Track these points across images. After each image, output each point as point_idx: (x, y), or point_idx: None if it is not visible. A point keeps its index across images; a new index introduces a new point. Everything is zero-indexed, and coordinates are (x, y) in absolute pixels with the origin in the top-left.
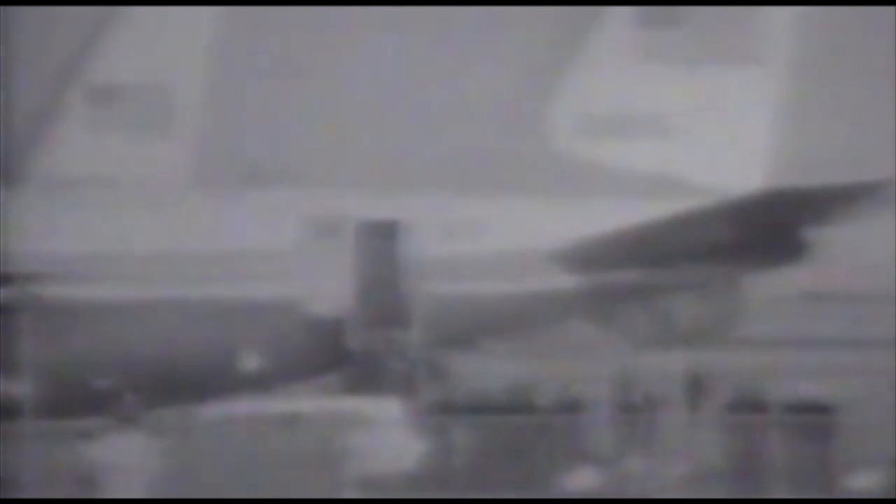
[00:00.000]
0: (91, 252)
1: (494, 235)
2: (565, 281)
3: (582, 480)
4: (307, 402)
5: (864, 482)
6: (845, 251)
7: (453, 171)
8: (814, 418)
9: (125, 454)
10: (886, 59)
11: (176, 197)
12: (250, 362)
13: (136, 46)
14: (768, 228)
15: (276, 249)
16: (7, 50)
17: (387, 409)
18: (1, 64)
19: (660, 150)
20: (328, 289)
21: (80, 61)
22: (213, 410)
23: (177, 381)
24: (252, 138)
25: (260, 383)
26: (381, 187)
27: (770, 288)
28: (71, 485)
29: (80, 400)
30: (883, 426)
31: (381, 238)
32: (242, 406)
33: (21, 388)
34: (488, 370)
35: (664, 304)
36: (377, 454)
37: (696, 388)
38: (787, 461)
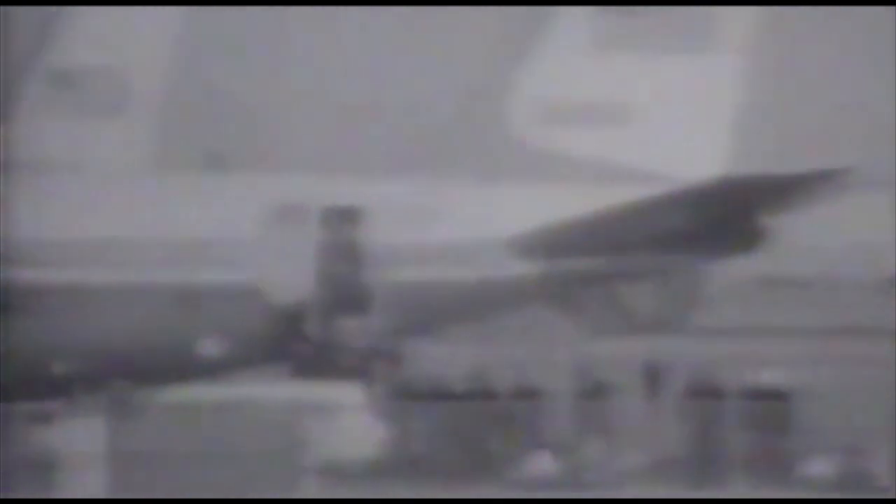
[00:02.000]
0: (49, 237)
1: (453, 222)
2: (524, 268)
3: (539, 466)
4: (267, 388)
5: (820, 469)
6: (802, 238)
7: (413, 158)
8: (771, 406)
9: (82, 438)
10: (846, 47)
11: (136, 182)
12: (210, 348)
13: (96, 30)
14: (725, 216)
15: (236, 235)
16: None
17: (346, 396)
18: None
19: (618, 138)
20: (288, 275)
21: (39, 45)
22: (173, 395)
23: (136, 366)
24: (213, 124)
25: (220, 369)
26: (341, 174)
27: (727, 275)
28: (28, 467)
29: (38, 384)
30: (840, 414)
31: (343, 224)
32: (202, 391)
33: None
34: (447, 356)
35: (622, 292)
36: (337, 440)
37: (653, 375)
38: (743, 448)
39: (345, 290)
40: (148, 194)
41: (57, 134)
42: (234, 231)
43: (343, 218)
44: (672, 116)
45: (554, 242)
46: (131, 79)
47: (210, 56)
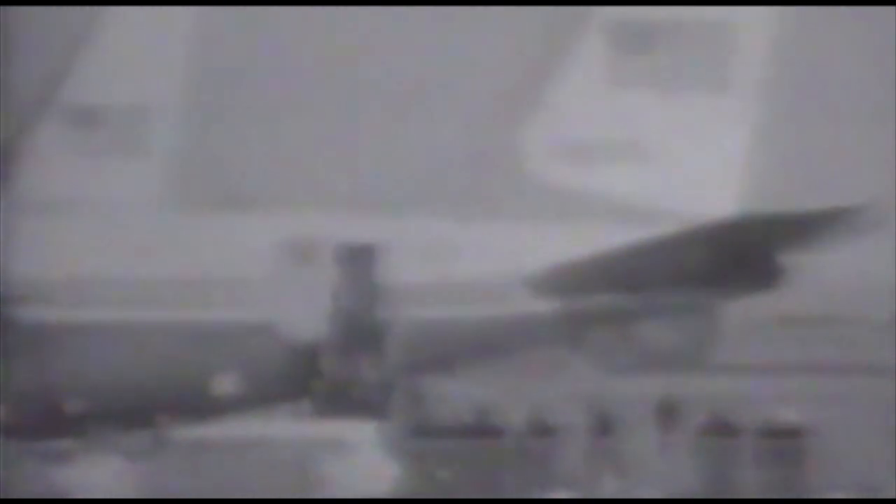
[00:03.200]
0: (66, 275)
1: (470, 260)
2: (540, 306)
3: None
4: (282, 426)
5: None
6: (819, 276)
7: (429, 196)
8: (786, 443)
9: (97, 477)
10: (860, 85)
11: (152, 220)
12: (225, 386)
13: (113, 68)
14: (742, 254)
15: (251, 273)
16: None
17: (361, 434)
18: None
19: (634, 176)
20: (304, 313)
21: (56, 82)
22: (187, 434)
23: (151, 404)
24: (229, 162)
25: (235, 407)
26: (358, 212)
27: (745, 313)
28: None
29: (53, 422)
30: (855, 451)
31: (359, 262)
32: (217, 430)
33: None
34: (463, 394)
35: (638, 329)
36: (351, 478)
37: (669, 412)
38: (759, 486)
39: (360, 327)
40: (163, 232)
41: (73, 171)
42: (249, 269)
43: (358, 255)
44: (688, 154)
45: (571, 280)
46: (149, 117)
47: (227, 93)
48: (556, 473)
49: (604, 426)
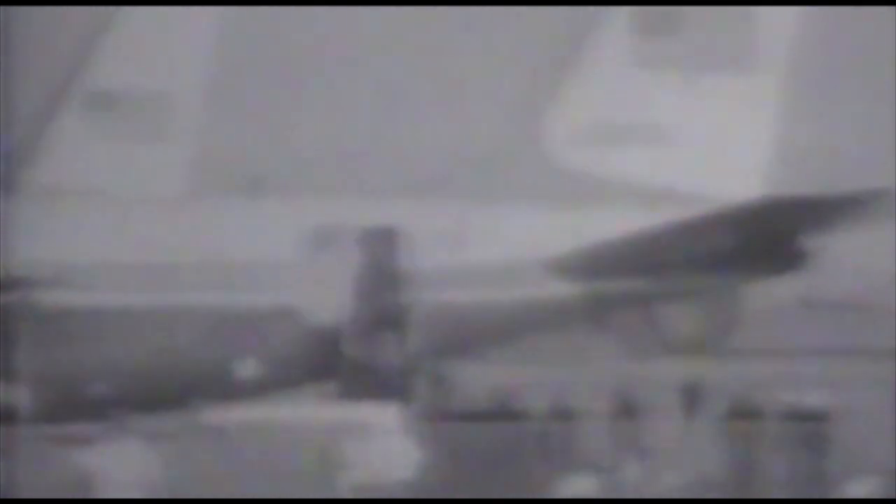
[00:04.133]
0: (89, 260)
1: (492, 243)
2: (562, 289)
3: (578, 488)
4: (304, 410)
5: (860, 492)
6: (843, 259)
7: (451, 180)
8: (810, 427)
9: (121, 461)
10: (886, 65)
11: (175, 205)
12: (248, 370)
13: (136, 53)
14: (766, 237)
15: (274, 258)
16: (6, 55)
17: (383, 417)
18: (1, 68)
19: (657, 159)
20: (326, 297)
21: (78, 68)
22: (211, 418)
23: (174, 388)
24: (251, 147)
25: (257, 391)
26: (379, 197)
27: (768, 296)
28: (67, 491)
29: (76, 406)
30: (880, 436)
31: (379, 245)
32: (239, 414)
33: (18, 395)
34: (485, 378)
35: (661, 313)
36: (374, 462)
37: (692, 396)
38: (783, 470)
39: (382, 311)
40: (185, 217)
41: (96, 157)
42: (272, 253)
43: (380, 239)
44: (713, 137)
45: (593, 263)
46: (172, 102)
47: (249, 79)
48: (579, 458)
49: (626, 410)
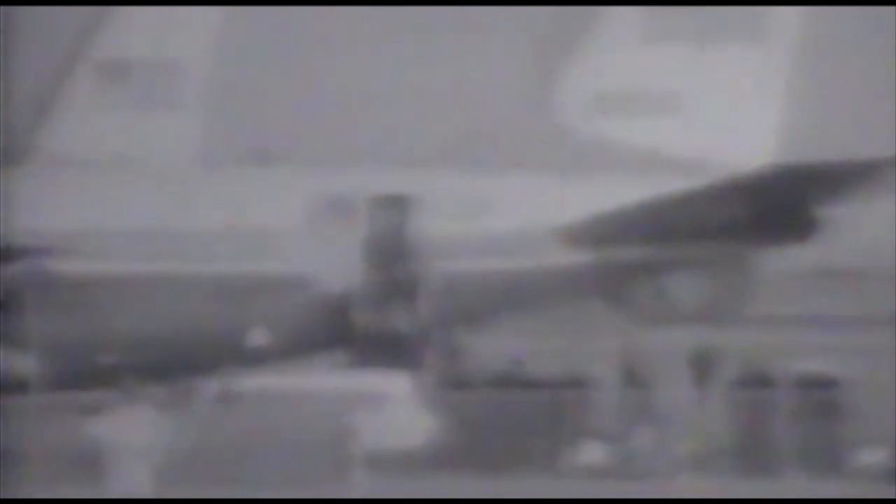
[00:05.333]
0: (98, 228)
1: (504, 212)
2: (574, 258)
3: (589, 456)
4: (316, 379)
5: (870, 459)
6: (855, 228)
7: (463, 148)
8: (821, 395)
9: (130, 429)
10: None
11: (184, 173)
12: (258, 338)
13: (145, 21)
14: (778, 205)
15: (284, 226)
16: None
17: (395, 386)
18: (1, 50)
19: (669, 127)
20: (337, 265)
21: (87, 36)
22: (222, 387)
23: (183, 357)
24: (261, 115)
25: (268, 359)
26: (391, 164)
27: (779, 265)
28: (77, 459)
29: (85, 375)
30: (890, 404)
31: (392, 213)
32: (250, 382)
33: (27, 363)
34: (496, 346)
35: (672, 281)
36: (385, 430)
37: (703, 364)
38: (794, 438)
39: (393, 280)
40: (196, 186)
41: (105, 126)
42: (282, 222)
43: (390, 207)
44: (722, 106)
45: (604, 232)
46: (181, 70)
47: (257, 48)
48: (590, 426)
49: (637, 378)
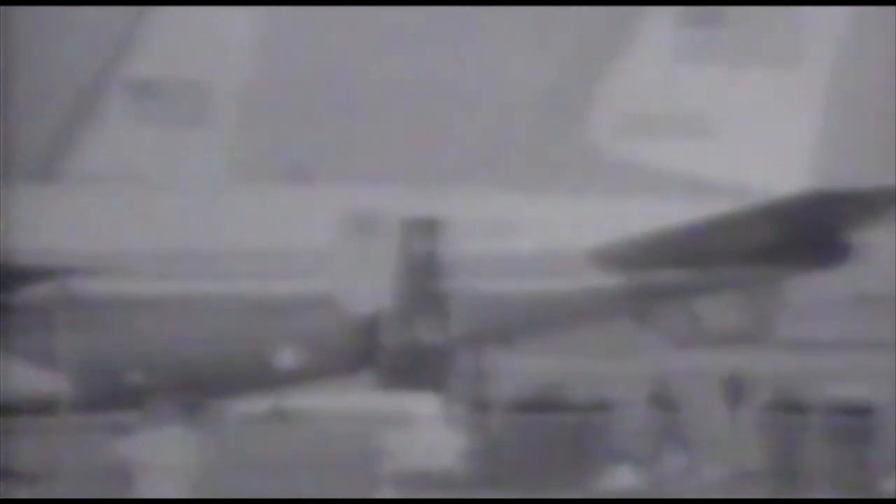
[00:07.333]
0: (128, 248)
1: (534, 234)
2: (604, 280)
3: (620, 480)
4: (344, 399)
5: None
6: (887, 254)
7: (494, 170)
8: (853, 420)
9: (160, 449)
10: None
11: (213, 193)
12: (287, 359)
13: (174, 41)
14: (810, 230)
15: (314, 245)
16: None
17: (424, 406)
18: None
19: (701, 151)
20: (366, 285)
21: (118, 55)
22: (249, 407)
23: (212, 377)
24: (290, 133)
25: (297, 379)
26: (421, 185)
27: (811, 289)
28: (106, 479)
29: (115, 395)
30: None
31: (422, 236)
32: (279, 402)
33: (57, 383)
34: (526, 368)
35: (705, 305)
36: (414, 451)
37: (735, 388)
38: (825, 462)
39: (423, 301)
40: (224, 205)
41: (138, 144)
42: (312, 241)
43: (422, 229)
44: (756, 129)
45: (636, 255)
46: (211, 89)
47: (288, 67)
48: (619, 449)
49: (667, 402)
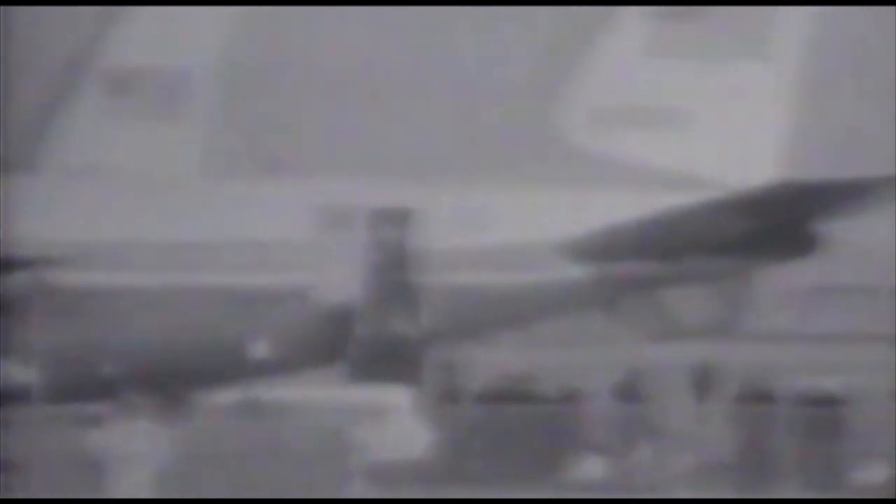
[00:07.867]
0: (101, 239)
1: (504, 226)
2: (574, 272)
3: (588, 471)
4: (316, 391)
5: (871, 476)
6: (856, 245)
7: (464, 162)
8: (822, 412)
9: (132, 441)
10: None
11: (187, 185)
12: (259, 350)
13: (151, 32)
14: (779, 222)
15: (285, 238)
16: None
17: (394, 399)
18: (1, 59)
19: (671, 143)
20: (337, 277)
21: (94, 46)
22: (221, 398)
23: (184, 368)
24: (264, 126)
25: (268, 371)
26: (392, 177)
27: (780, 281)
28: (78, 470)
29: (88, 386)
30: (891, 420)
31: (393, 226)
32: (251, 394)
33: (30, 374)
34: (496, 360)
35: (673, 296)
36: (385, 443)
37: (703, 380)
38: (794, 454)
39: (394, 293)
40: (198, 197)
41: (110, 137)
42: (284, 233)
43: (392, 220)
44: (725, 122)
45: (605, 247)
46: (185, 82)
47: (262, 59)
48: (589, 441)
49: (636, 393)
